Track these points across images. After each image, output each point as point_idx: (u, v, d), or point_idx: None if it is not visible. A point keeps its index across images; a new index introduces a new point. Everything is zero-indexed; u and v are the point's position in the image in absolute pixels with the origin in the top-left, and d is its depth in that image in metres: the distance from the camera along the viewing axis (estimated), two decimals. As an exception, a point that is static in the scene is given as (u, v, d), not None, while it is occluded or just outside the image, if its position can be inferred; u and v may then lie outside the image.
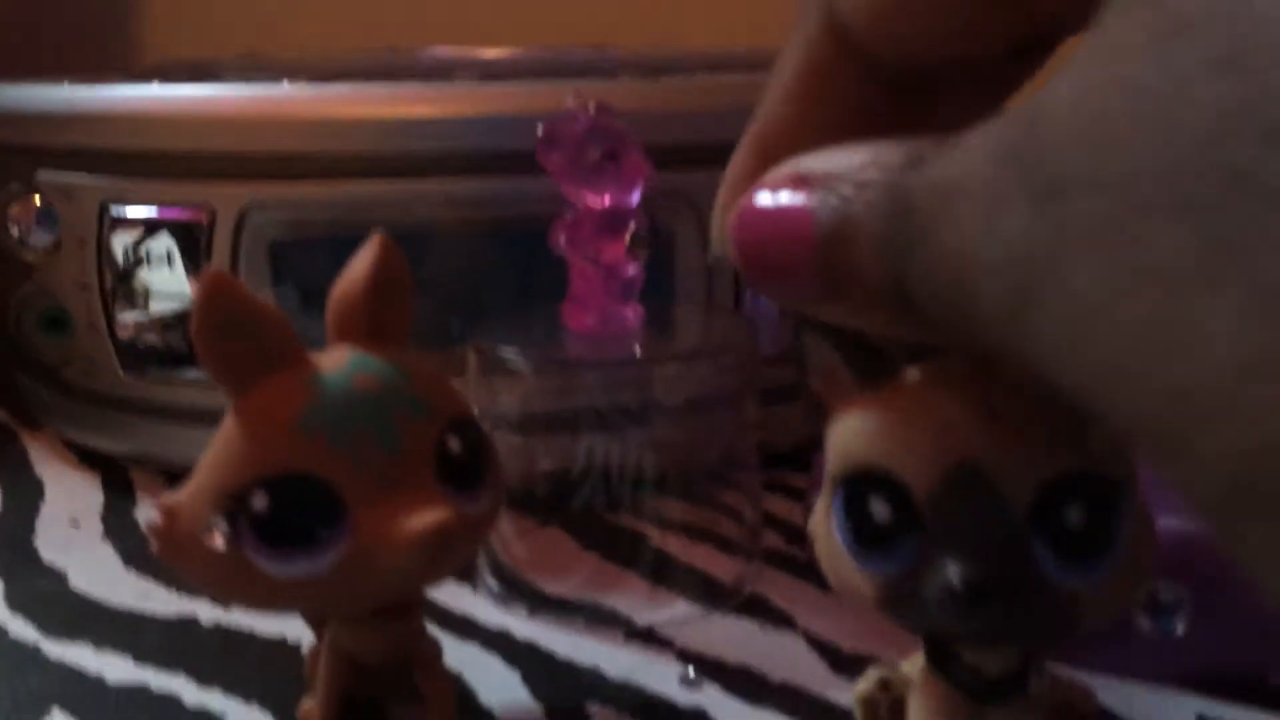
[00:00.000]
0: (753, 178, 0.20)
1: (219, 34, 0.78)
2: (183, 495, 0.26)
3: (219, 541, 0.25)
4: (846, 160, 0.19)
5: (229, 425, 0.26)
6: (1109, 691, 0.30)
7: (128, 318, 0.43)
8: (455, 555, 0.27)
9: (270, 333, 0.26)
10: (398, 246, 0.28)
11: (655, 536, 0.38)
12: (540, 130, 0.33)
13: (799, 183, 0.19)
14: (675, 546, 0.38)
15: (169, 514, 0.26)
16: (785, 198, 0.19)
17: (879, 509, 0.22)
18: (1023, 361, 0.16)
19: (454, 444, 0.27)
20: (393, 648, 0.28)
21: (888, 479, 0.21)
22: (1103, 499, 0.21)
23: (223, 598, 0.26)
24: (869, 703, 0.26)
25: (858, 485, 0.22)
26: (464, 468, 0.27)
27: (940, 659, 0.25)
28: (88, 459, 0.47)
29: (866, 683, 0.26)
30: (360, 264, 0.27)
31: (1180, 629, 0.30)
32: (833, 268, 0.19)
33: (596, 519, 0.39)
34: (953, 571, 0.21)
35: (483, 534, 0.28)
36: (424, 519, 0.24)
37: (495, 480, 0.28)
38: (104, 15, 0.84)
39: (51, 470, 0.47)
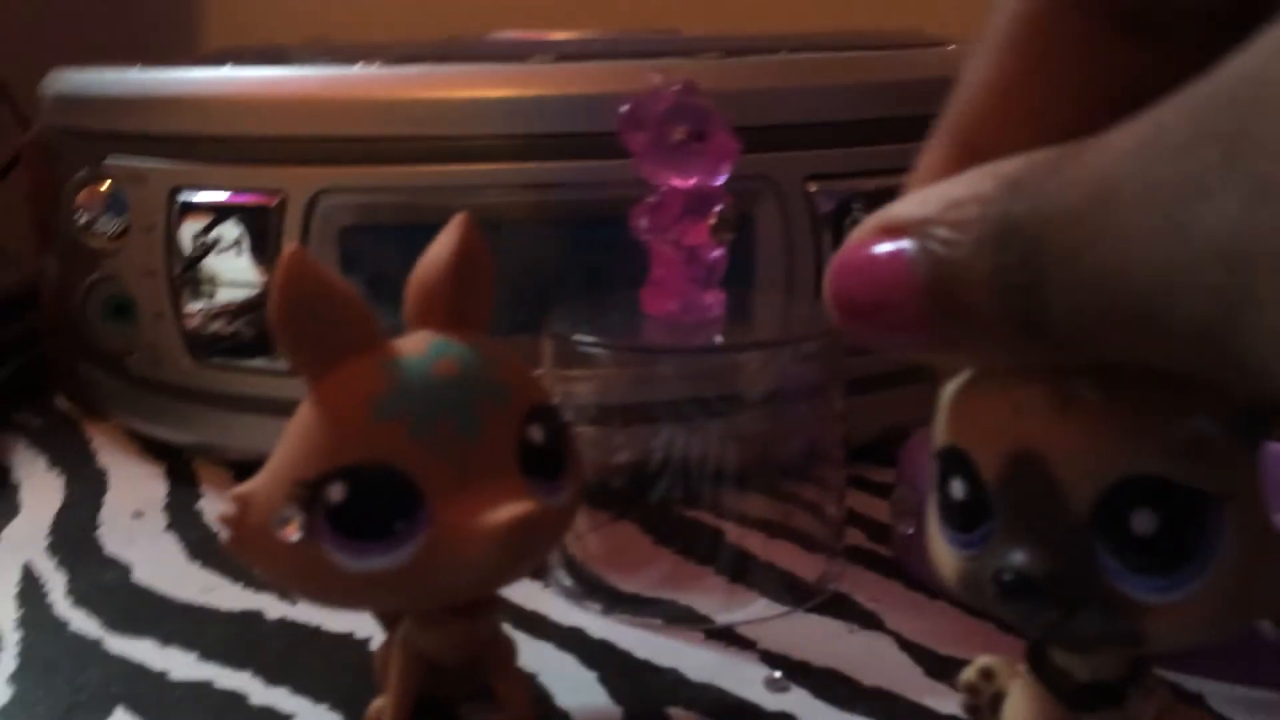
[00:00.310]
0: (951, 172, 0.19)
1: (282, 22, 0.78)
2: (256, 485, 0.25)
3: (293, 534, 0.24)
4: (936, 200, 0.18)
5: (305, 412, 0.24)
6: (1224, 696, 0.28)
7: (195, 305, 0.42)
8: (537, 550, 0.26)
9: (350, 315, 0.24)
10: (480, 228, 0.26)
11: (733, 532, 0.37)
12: (624, 109, 0.32)
13: (892, 232, 0.18)
14: (754, 543, 0.36)
15: (242, 504, 0.24)
16: (882, 250, 0.18)
17: (957, 488, 0.21)
18: (1219, 371, 0.15)
19: (536, 433, 0.25)
20: (467, 647, 0.26)
21: (965, 459, 0.21)
22: (1182, 510, 0.19)
23: (295, 592, 0.25)
24: (971, 689, 0.25)
25: (944, 462, 0.22)
26: (546, 458, 0.25)
27: (1034, 657, 0.24)
28: (151, 449, 0.46)
29: (972, 669, 0.25)
30: (442, 245, 0.26)
31: (1306, 639, 0.28)
32: (944, 316, 0.18)
33: (673, 514, 0.37)
34: (1003, 559, 0.20)
35: (564, 528, 0.27)
36: (506, 512, 0.23)
37: (576, 471, 0.27)
38: (168, 3, 0.84)
39: (115, 461, 0.46)
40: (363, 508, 0.23)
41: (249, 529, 0.24)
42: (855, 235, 0.19)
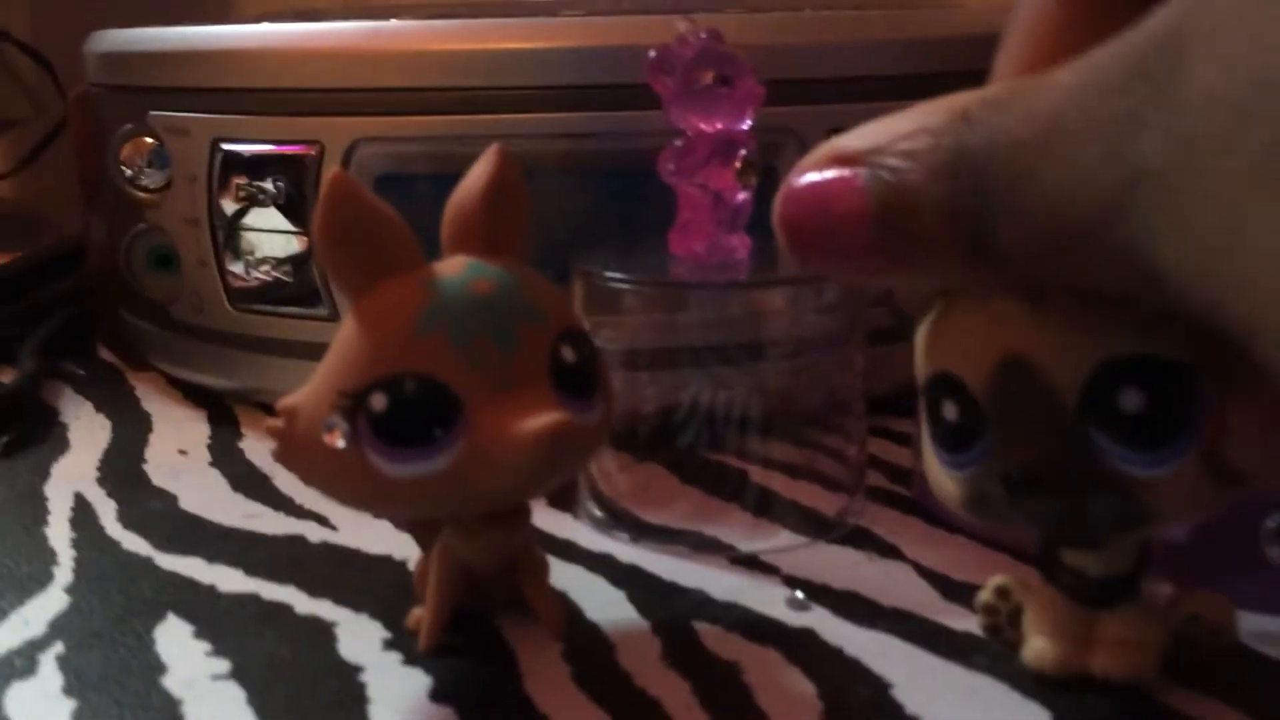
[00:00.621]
0: (1029, 70, 0.20)
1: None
2: (301, 397, 0.26)
3: (338, 441, 0.25)
4: (886, 132, 0.19)
5: (348, 327, 0.26)
6: (1251, 636, 0.29)
7: (237, 253, 0.43)
8: (568, 461, 0.27)
9: (391, 236, 0.26)
10: (515, 157, 0.28)
11: (758, 474, 0.38)
12: (652, 54, 0.33)
13: (842, 161, 0.19)
14: (777, 483, 0.37)
15: (289, 415, 0.26)
16: (832, 178, 0.19)
17: (949, 410, 0.22)
18: (1147, 292, 0.17)
19: (568, 353, 0.27)
20: (502, 555, 0.28)
21: (953, 380, 0.22)
22: (1167, 383, 0.20)
23: (340, 498, 0.26)
24: (989, 610, 0.27)
25: (933, 390, 0.23)
26: (578, 376, 0.27)
27: (1047, 565, 0.25)
28: (193, 396, 0.48)
29: (987, 591, 0.26)
30: (478, 173, 0.27)
31: (1312, 561, 0.29)
32: (895, 241, 0.19)
33: (699, 458, 0.38)
34: (1006, 462, 0.21)
35: (595, 445, 0.28)
36: (540, 420, 0.24)
37: (606, 392, 0.28)
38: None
39: (159, 406, 0.48)
40: (404, 416, 0.25)
41: (295, 439, 0.26)
42: (803, 164, 0.20)
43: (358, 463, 0.25)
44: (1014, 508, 0.22)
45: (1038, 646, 0.25)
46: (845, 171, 0.19)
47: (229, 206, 0.43)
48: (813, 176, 0.20)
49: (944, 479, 0.23)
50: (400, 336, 0.25)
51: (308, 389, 0.26)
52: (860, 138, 0.19)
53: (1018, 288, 0.21)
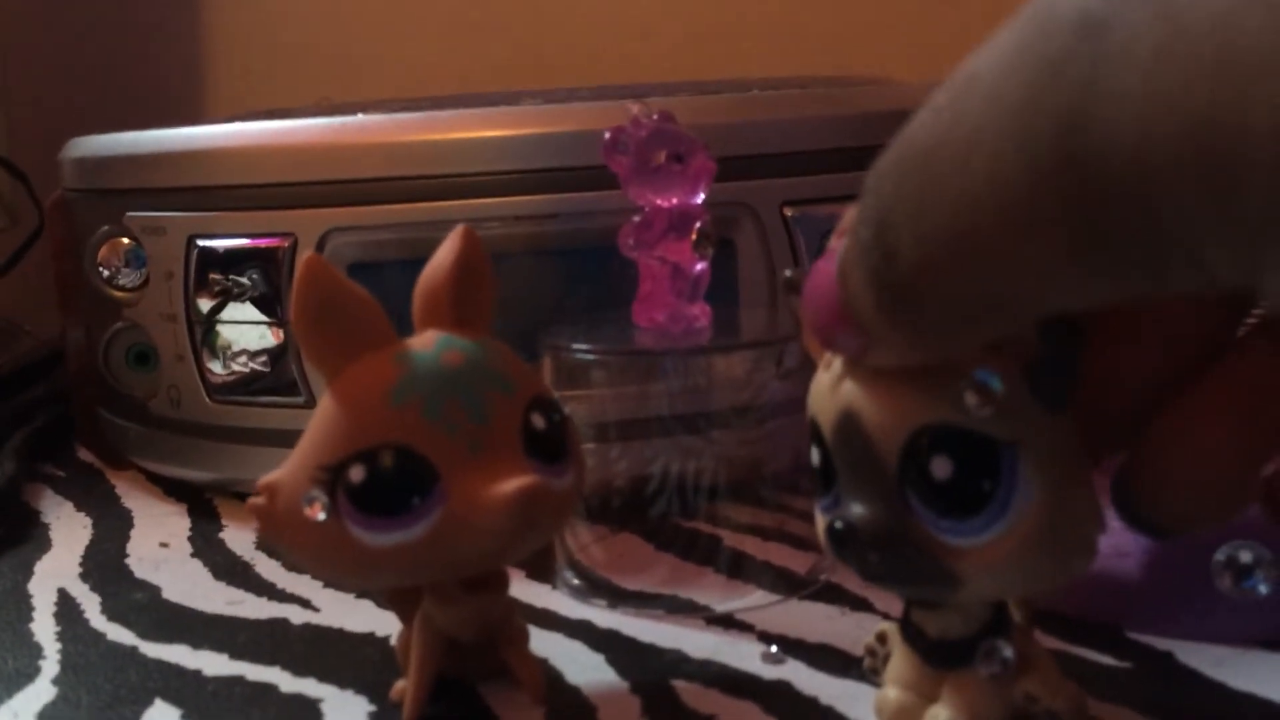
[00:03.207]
0: None
1: (284, 94, 0.81)
2: (282, 474, 0.27)
3: (319, 514, 0.26)
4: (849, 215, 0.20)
5: (325, 403, 0.27)
6: (1192, 652, 0.30)
7: (214, 348, 0.44)
8: (543, 523, 0.28)
9: (363, 315, 0.27)
10: (478, 236, 0.29)
11: (730, 538, 0.39)
12: (607, 136, 0.35)
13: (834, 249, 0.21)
14: (750, 545, 0.38)
15: (270, 491, 0.27)
16: (823, 263, 0.21)
17: (815, 455, 0.24)
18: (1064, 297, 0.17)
19: (538, 420, 0.28)
20: (482, 622, 0.29)
21: (817, 429, 0.24)
22: (975, 456, 0.21)
23: (323, 571, 0.27)
24: (870, 652, 0.28)
25: (811, 433, 0.24)
26: (548, 442, 0.28)
27: (902, 618, 0.26)
28: (173, 492, 0.49)
29: (871, 635, 0.28)
30: (445, 252, 0.29)
31: (1264, 589, 0.30)
32: (849, 313, 0.20)
33: (672, 525, 0.39)
34: (835, 513, 0.23)
35: (568, 509, 0.29)
36: (513, 483, 0.25)
37: (576, 457, 0.29)
38: (178, 75, 0.87)
39: (139, 503, 0.48)
40: (381, 486, 0.26)
41: (277, 515, 0.27)
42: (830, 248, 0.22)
43: (339, 535, 0.26)
44: (838, 556, 0.23)
45: (884, 695, 0.26)
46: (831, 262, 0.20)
47: (206, 302, 0.44)
48: (818, 265, 0.21)
49: (818, 520, 0.25)
50: (375, 410, 0.26)
51: (287, 466, 0.27)
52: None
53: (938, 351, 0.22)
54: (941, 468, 0.21)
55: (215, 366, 0.44)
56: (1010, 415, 0.21)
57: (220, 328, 0.44)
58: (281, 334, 0.43)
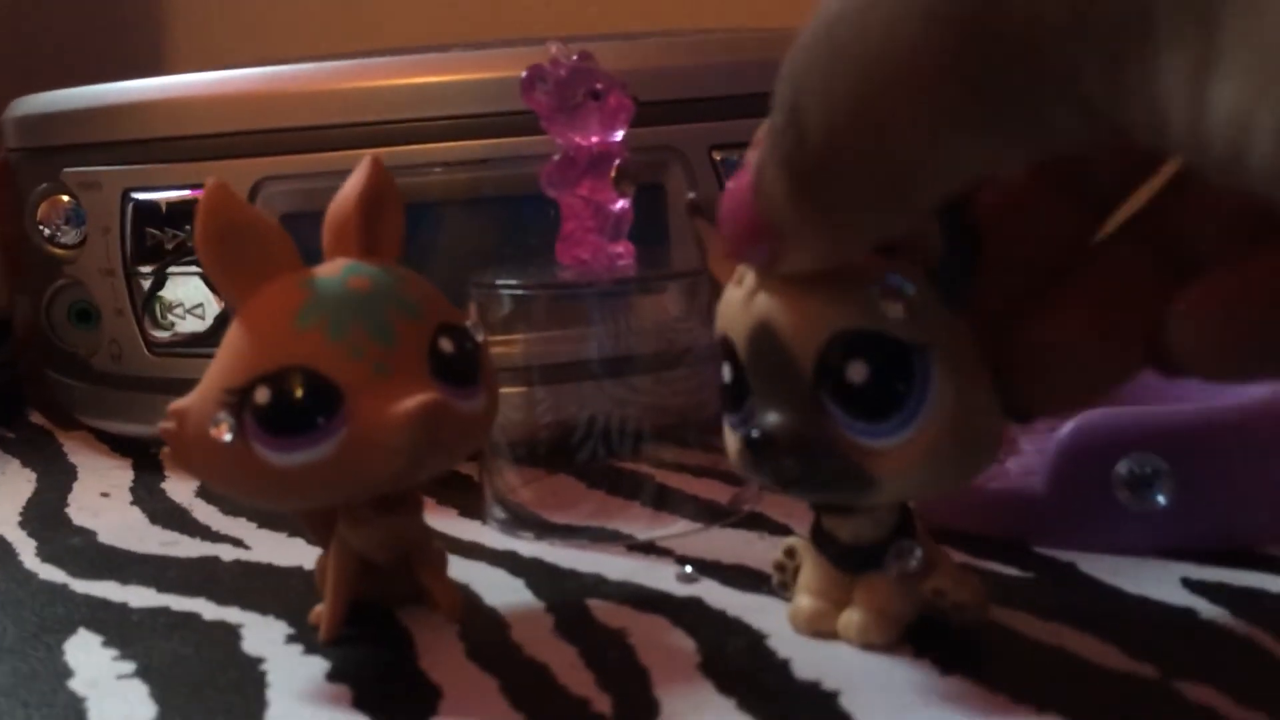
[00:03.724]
0: None
1: (247, 51, 0.81)
2: (190, 399, 0.27)
3: (225, 435, 0.26)
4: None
5: (232, 329, 0.27)
6: (1092, 561, 0.31)
7: (152, 301, 0.45)
8: (448, 445, 0.28)
9: (269, 241, 0.27)
10: (385, 166, 0.29)
11: (657, 475, 0.39)
12: (524, 73, 0.35)
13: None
14: (676, 480, 0.39)
15: (179, 416, 0.27)
16: (739, 177, 0.21)
17: (725, 371, 0.24)
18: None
19: (446, 344, 0.28)
20: (396, 542, 0.29)
21: (729, 344, 0.24)
22: (889, 359, 0.22)
23: (231, 491, 0.27)
24: (778, 567, 0.28)
25: (721, 351, 0.25)
26: (456, 367, 0.28)
27: (813, 527, 0.27)
28: (120, 449, 0.49)
29: (779, 550, 0.28)
30: (352, 182, 0.29)
31: (1162, 501, 0.31)
32: (764, 216, 0.20)
33: (601, 466, 0.40)
34: (750, 425, 0.23)
35: (479, 432, 0.29)
36: (414, 400, 0.26)
37: (489, 382, 0.29)
38: (133, 39, 0.87)
39: (85, 459, 0.49)
40: (286, 407, 0.26)
41: (186, 438, 0.27)
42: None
43: (246, 456, 0.26)
44: (755, 466, 0.23)
45: (796, 604, 0.27)
46: (745, 174, 0.21)
47: (144, 265, 0.44)
48: (734, 180, 0.21)
49: (728, 436, 0.25)
50: (280, 333, 0.27)
51: (196, 390, 0.27)
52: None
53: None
54: (857, 372, 0.22)
55: (155, 322, 0.45)
56: (919, 318, 0.22)
57: (159, 281, 0.44)
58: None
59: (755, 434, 0.23)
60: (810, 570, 0.27)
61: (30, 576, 0.35)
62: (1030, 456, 0.34)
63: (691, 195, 0.28)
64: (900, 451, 0.22)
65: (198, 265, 0.44)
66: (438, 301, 0.29)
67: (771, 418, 0.23)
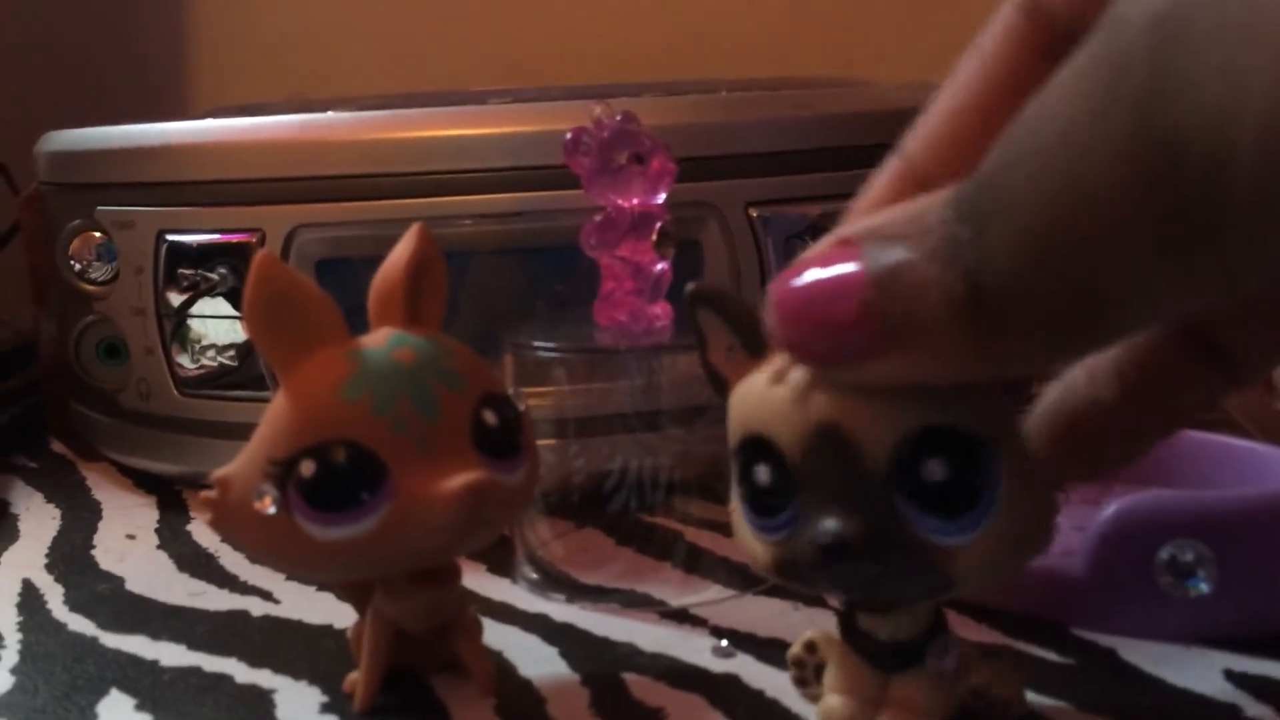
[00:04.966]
0: (899, 198, 0.21)
1: (268, 86, 0.82)
2: (234, 468, 0.27)
3: (269, 507, 0.26)
4: (886, 216, 0.20)
5: (278, 399, 0.27)
6: (1133, 648, 0.30)
7: (184, 341, 0.45)
8: (491, 520, 0.28)
9: (316, 311, 0.27)
10: (433, 235, 0.29)
11: (689, 533, 0.39)
12: (567, 137, 0.35)
13: (846, 245, 0.20)
14: (708, 541, 0.39)
15: (222, 485, 0.27)
16: (831, 268, 0.20)
17: (761, 473, 0.23)
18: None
19: (489, 416, 0.28)
20: (433, 614, 0.29)
21: (766, 444, 0.23)
22: (967, 455, 0.21)
23: (273, 563, 0.27)
24: (797, 663, 0.27)
25: (746, 452, 0.23)
26: (499, 438, 0.28)
27: (845, 624, 0.25)
28: (143, 484, 0.49)
29: (797, 644, 0.27)
30: (399, 252, 0.29)
31: (1205, 588, 0.30)
32: (898, 323, 0.19)
33: (631, 520, 0.40)
34: (817, 528, 0.22)
35: (520, 503, 0.29)
36: (460, 478, 0.26)
37: (530, 453, 0.29)
38: (157, 71, 0.87)
39: (109, 495, 0.48)
40: (331, 481, 0.26)
41: (229, 507, 0.27)
42: (808, 255, 0.20)
43: (289, 528, 0.26)
44: (824, 574, 0.22)
45: (829, 703, 0.25)
46: (847, 266, 0.19)
47: (176, 297, 0.44)
48: (816, 273, 0.20)
49: (753, 542, 0.24)
50: (326, 405, 0.26)
51: (240, 459, 0.27)
52: (861, 224, 0.20)
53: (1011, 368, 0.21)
54: (935, 469, 0.21)
55: (184, 360, 0.45)
56: (989, 412, 0.22)
57: (190, 322, 0.44)
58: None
59: (827, 540, 0.22)
60: (838, 668, 0.26)
61: (60, 627, 0.35)
62: (1068, 534, 0.34)
63: (694, 285, 0.26)
64: (974, 548, 0.22)
65: (230, 306, 0.44)
66: (480, 370, 0.29)
67: (840, 522, 0.22)
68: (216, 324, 0.44)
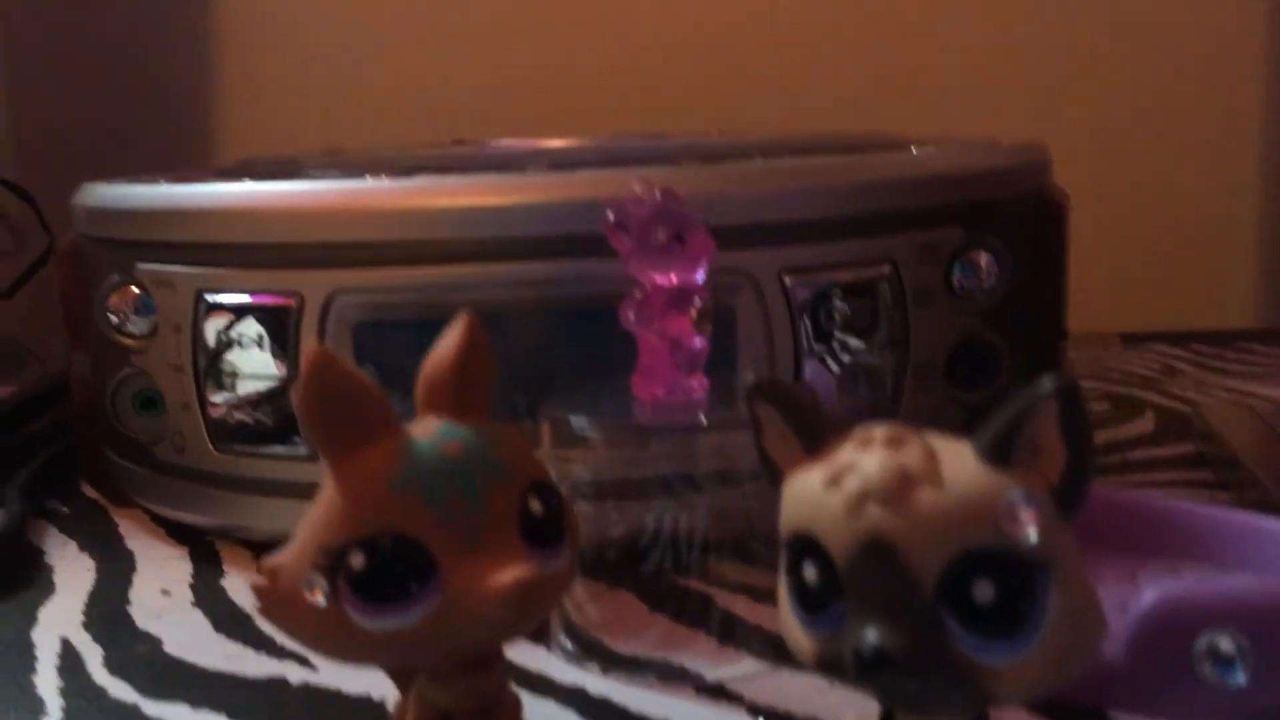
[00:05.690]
0: None
1: (293, 131, 0.83)
2: (284, 556, 0.28)
3: (319, 599, 0.26)
4: None
5: (328, 489, 0.27)
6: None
7: (219, 396, 0.45)
8: (537, 609, 0.28)
9: (368, 405, 0.28)
10: (482, 324, 0.30)
11: (722, 598, 0.39)
12: (610, 215, 0.36)
13: None
14: (741, 607, 0.39)
15: (272, 574, 0.27)
16: None
17: (809, 572, 0.23)
18: None
19: (535, 505, 0.28)
20: (476, 700, 0.29)
21: (815, 544, 0.23)
22: (1017, 578, 0.21)
23: (321, 651, 0.28)
24: None
25: (795, 549, 0.24)
26: (544, 527, 0.28)
27: (883, 718, 0.25)
28: (175, 533, 0.49)
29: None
30: (450, 341, 0.29)
31: (1243, 679, 0.31)
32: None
33: (665, 582, 0.40)
34: (860, 637, 0.22)
35: (562, 590, 0.30)
36: (510, 574, 0.26)
37: (573, 540, 0.30)
38: (186, 115, 0.88)
39: (142, 545, 0.49)
40: (381, 573, 0.26)
41: (280, 596, 0.27)
42: None
43: (337, 618, 0.26)
44: (863, 682, 0.23)
45: None
46: None
47: (212, 354, 0.45)
48: None
49: (798, 632, 0.24)
50: (376, 497, 0.27)
51: (290, 547, 0.28)
52: None
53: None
54: (984, 591, 0.21)
55: (220, 415, 0.45)
56: (1045, 533, 0.22)
57: (225, 378, 0.45)
58: (284, 385, 0.44)
59: (868, 653, 0.22)
60: None
61: (101, 693, 0.35)
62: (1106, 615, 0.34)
63: (753, 378, 0.26)
64: (1018, 667, 0.22)
65: (265, 364, 0.44)
66: (525, 457, 0.29)
67: (883, 634, 0.22)
68: (252, 380, 0.44)
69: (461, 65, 0.85)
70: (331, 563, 0.26)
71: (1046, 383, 0.22)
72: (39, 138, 0.87)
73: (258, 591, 0.27)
